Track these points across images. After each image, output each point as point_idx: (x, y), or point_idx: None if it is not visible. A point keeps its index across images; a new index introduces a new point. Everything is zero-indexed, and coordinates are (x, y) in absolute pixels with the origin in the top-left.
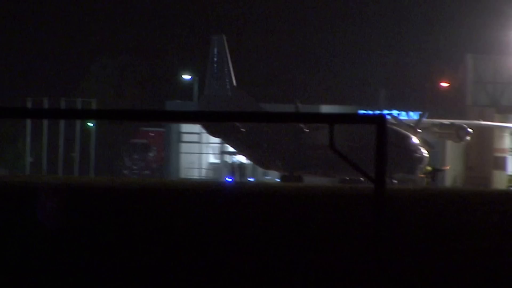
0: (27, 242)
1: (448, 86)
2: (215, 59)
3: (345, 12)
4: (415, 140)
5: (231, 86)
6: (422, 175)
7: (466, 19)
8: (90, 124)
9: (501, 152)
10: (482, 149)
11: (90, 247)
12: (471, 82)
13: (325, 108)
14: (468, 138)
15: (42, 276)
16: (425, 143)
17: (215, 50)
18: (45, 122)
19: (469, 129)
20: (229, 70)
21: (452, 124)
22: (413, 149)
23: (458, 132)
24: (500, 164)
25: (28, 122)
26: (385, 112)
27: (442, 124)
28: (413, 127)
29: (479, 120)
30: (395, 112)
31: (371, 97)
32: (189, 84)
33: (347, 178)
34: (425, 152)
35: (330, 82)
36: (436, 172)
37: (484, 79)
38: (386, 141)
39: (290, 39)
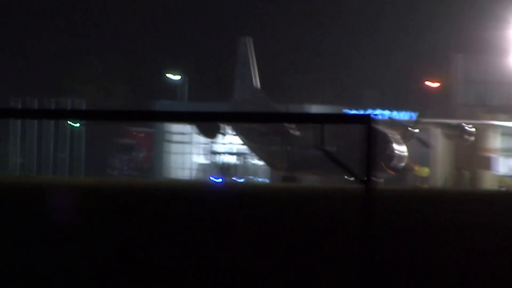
0: (18, 243)
1: (438, 85)
2: (241, 62)
3: (334, 12)
4: (393, 138)
5: (254, 88)
6: (392, 173)
7: (455, 19)
8: (76, 125)
9: (490, 152)
10: (471, 149)
11: (79, 247)
12: (460, 82)
13: (314, 108)
14: (472, 138)
15: (33, 276)
16: (422, 142)
17: (242, 52)
18: (34, 123)
19: (471, 129)
20: (253, 73)
21: (456, 124)
22: (391, 147)
23: (461, 133)
24: (489, 164)
25: (17, 122)
26: (375, 112)
27: (446, 124)
28: (408, 126)
29: (482, 119)
30: (384, 112)
31: (360, 97)
32: (178, 84)
33: (351, 179)
34: (403, 151)
35: (319, 82)
36: (403, 170)
37: (473, 78)
38: (374, 141)
39: (278, 38)
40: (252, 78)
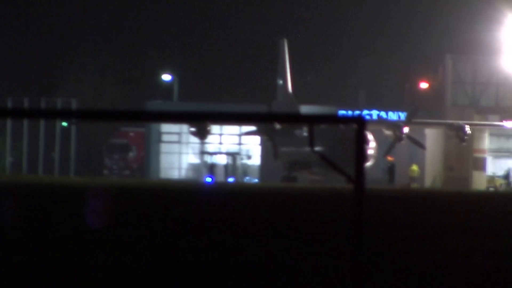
0: (11, 243)
1: (428, 86)
2: (281, 64)
3: (324, 12)
4: (369, 138)
5: (287, 91)
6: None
7: (445, 20)
8: (64, 124)
9: (481, 152)
10: (462, 150)
11: (71, 247)
12: (450, 83)
13: (305, 109)
14: (467, 138)
15: (24, 276)
16: (415, 142)
17: (280, 54)
18: (25, 122)
19: (467, 130)
20: (288, 75)
21: (453, 124)
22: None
23: (458, 133)
24: (479, 164)
25: (8, 122)
26: (366, 112)
27: (443, 125)
28: (399, 126)
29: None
30: (374, 113)
31: (351, 98)
32: (169, 84)
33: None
34: (371, 150)
35: (310, 82)
36: (392, 168)
37: (463, 79)
38: (365, 141)
39: (269, 38)
40: (287, 81)
